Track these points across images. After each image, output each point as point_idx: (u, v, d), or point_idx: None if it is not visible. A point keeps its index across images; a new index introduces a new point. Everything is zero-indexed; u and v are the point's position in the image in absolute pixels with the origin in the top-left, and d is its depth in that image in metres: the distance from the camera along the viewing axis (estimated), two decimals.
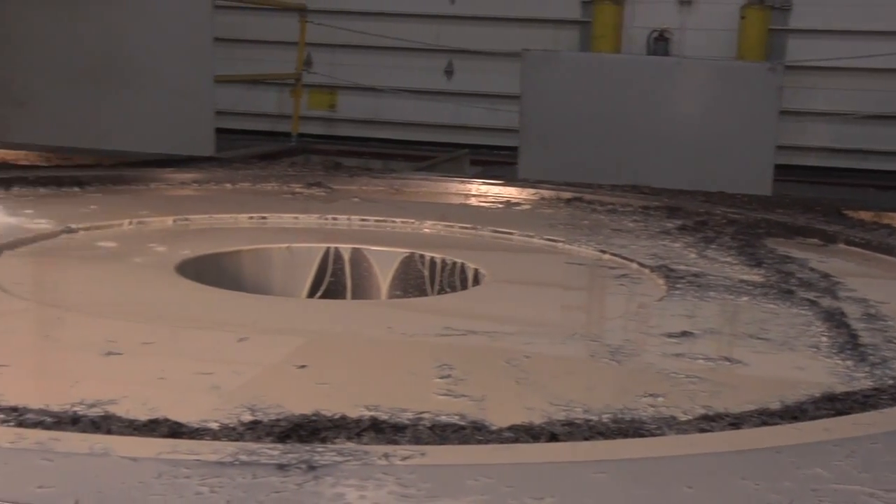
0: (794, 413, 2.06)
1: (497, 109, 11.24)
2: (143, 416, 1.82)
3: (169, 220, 3.92)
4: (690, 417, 2.01)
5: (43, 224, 3.68)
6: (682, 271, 3.38)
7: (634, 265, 3.52)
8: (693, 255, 3.67)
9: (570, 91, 6.91)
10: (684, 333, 2.66)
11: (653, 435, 1.91)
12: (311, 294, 3.61)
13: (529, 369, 2.31)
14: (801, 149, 10.13)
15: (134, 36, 6.84)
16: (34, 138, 5.96)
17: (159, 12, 6.89)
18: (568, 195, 4.77)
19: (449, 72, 12.25)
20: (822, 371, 2.42)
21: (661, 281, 3.29)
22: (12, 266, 3.18)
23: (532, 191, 4.86)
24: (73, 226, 3.67)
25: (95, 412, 1.85)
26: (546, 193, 4.82)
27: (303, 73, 11.02)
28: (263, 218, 4.08)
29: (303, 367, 2.26)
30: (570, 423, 1.91)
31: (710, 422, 1.99)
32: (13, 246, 3.37)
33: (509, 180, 5.21)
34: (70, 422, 1.80)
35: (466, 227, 4.09)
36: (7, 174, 4.59)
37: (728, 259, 3.64)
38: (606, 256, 3.67)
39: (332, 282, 3.65)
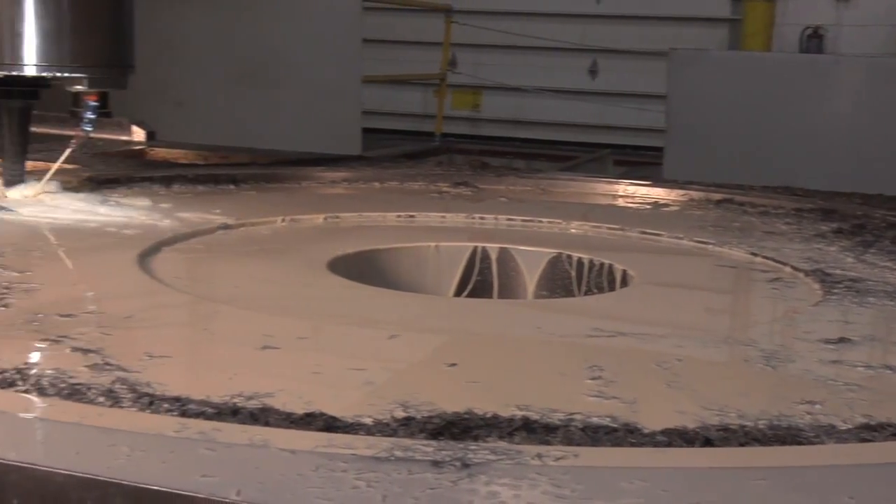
0: None
1: (642, 109, 11.11)
2: (299, 410, 1.86)
3: (320, 218, 4.00)
4: (850, 426, 1.95)
5: (200, 220, 3.79)
6: (838, 276, 3.28)
7: (788, 269, 3.43)
8: (850, 260, 3.56)
9: (720, 91, 6.79)
10: (842, 340, 2.58)
11: (811, 443, 1.86)
12: (458, 293, 3.63)
13: (681, 372, 2.28)
14: None
15: (286, 38, 7.03)
16: (192, 137, 6.18)
17: (310, 15, 7.07)
18: (718, 197, 4.67)
19: (593, 71, 12.17)
20: None
21: (816, 285, 3.19)
22: (172, 261, 3.30)
23: (681, 192, 4.78)
24: (230, 222, 3.78)
25: (254, 404, 1.90)
26: (695, 195, 4.74)
27: (447, 74, 11.11)
28: (411, 216, 4.12)
29: (453, 365, 2.28)
30: (724, 429, 1.87)
31: (871, 431, 1.92)
32: (173, 241, 3.49)
33: (657, 181, 5.14)
34: (230, 413, 1.85)
35: (614, 228, 4.05)
36: (168, 172, 4.75)
37: (888, 264, 3.51)
38: (758, 259, 3.58)
39: (478, 281, 3.66)
